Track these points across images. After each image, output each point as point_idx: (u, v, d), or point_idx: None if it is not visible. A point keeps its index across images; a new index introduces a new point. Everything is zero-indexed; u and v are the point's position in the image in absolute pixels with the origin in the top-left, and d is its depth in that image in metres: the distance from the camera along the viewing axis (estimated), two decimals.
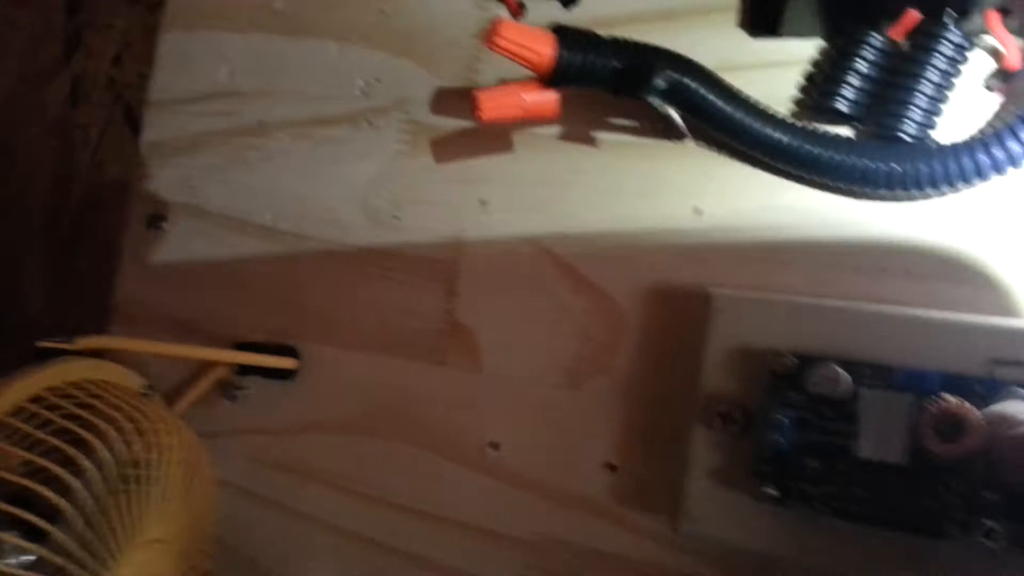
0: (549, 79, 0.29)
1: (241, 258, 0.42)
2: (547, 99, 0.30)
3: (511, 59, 0.28)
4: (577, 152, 0.36)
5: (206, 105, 0.44)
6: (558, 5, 0.37)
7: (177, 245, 0.44)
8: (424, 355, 0.37)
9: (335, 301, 0.40)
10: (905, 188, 0.28)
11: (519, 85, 0.29)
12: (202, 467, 0.36)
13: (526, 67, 0.29)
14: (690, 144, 0.34)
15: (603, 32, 0.34)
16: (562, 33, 0.28)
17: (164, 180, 0.45)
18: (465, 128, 0.38)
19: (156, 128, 0.46)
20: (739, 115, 0.31)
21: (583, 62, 0.28)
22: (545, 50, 0.28)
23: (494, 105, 0.29)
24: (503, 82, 0.31)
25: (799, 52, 0.32)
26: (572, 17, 0.36)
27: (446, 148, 0.38)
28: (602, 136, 0.35)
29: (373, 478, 0.38)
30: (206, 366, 0.41)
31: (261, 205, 0.42)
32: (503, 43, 0.27)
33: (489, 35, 0.28)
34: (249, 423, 0.41)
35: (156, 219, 0.45)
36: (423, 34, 0.39)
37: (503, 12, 0.38)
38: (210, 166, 0.44)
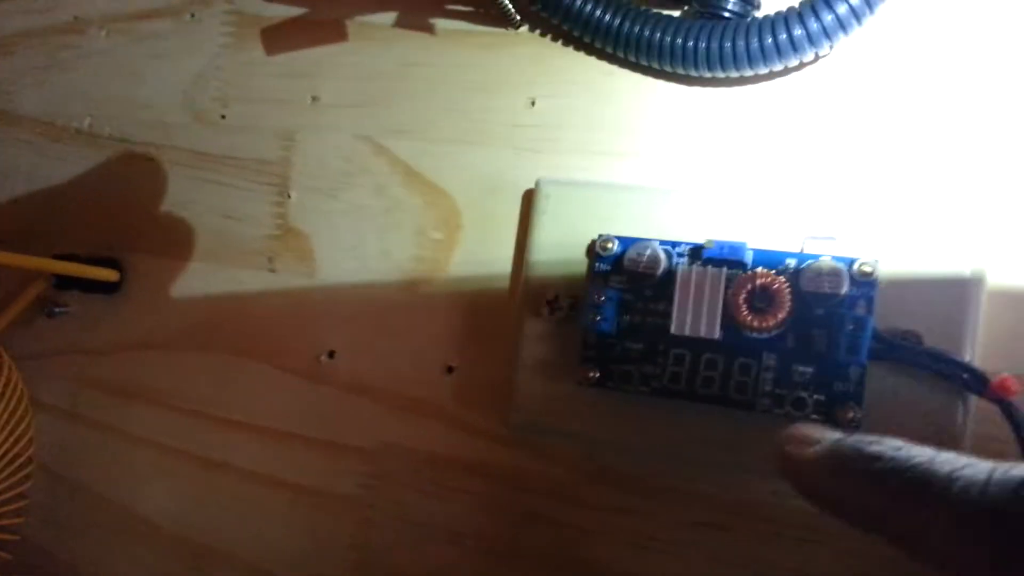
0: None
1: (59, 166, 0.39)
2: None
3: None
4: (411, 43, 0.34)
5: (18, 2, 0.41)
6: None
7: None
8: (255, 262, 0.35)
9: (160, 208, 0.37)
10: (723, 67, 0.28)
11: None
12: (15, 384, 0.34)
13: None
14: (524, 32, 0.32)
15: None
16: None
17: None
18: (295, 17, 0.36)
19: None
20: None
21: None
22: None
23: None
24: None
25: None
26: None
27: (275, 41, 0.36)
28: (437, 25, 0.34)
29: (204, 394, 0.36)
30: (22, 284, 0.38)
31: (79, 108, 0.39)
32: None
33: None
34: (71, 342, 0.38)
35: None
36: None
37: None
38: (23, 68, 0.40)
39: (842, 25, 0.26)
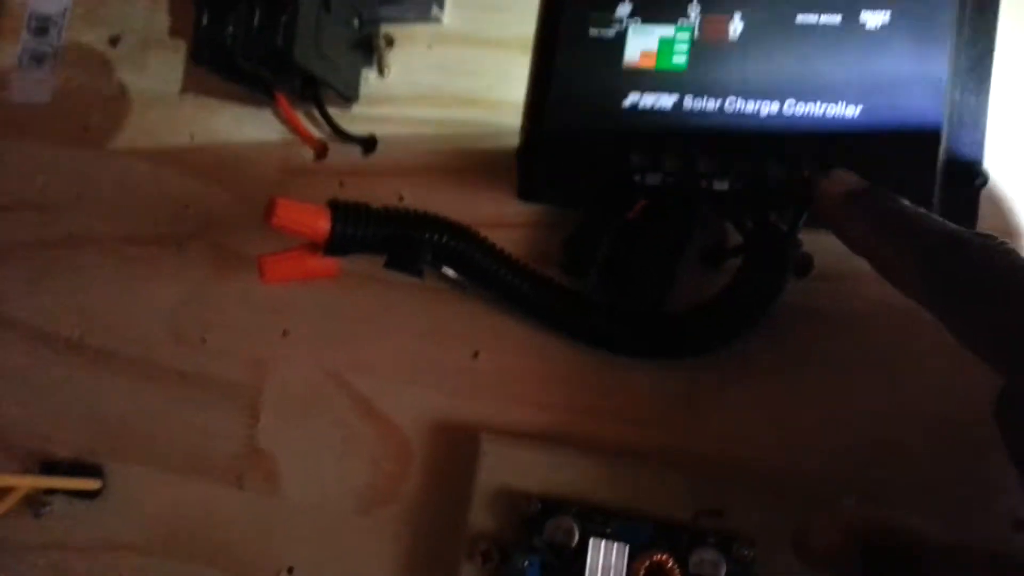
0: (326, 249, 0.31)
1: (48, 371, 0.43)
2: (328, 264, 0.32)
3: (291, 234, 0.31)
4: (375, 290, 0.38)
5: (18, 214, 0.45)
6: (358, 149, 0.40)
7: None
8: (225, 478, 0.39)
9: (140, 420, 0.41)
10: (635, 354, 0.33)
11: (302, 250, 0.32)
12: None
13: (305, 239, 0.31)
14: (471, 292, 0.37)
15: (395, 182, 0.37)
16: (336, 208, 0.31)
17: None
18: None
19: None
20: (507, 276, 0.34)
21: (356, 235, 0.31)
22: (320, 225, 0.31)
23: (278, 271, 0.32)
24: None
25: (563, 217, 0.36)
26: (371, 163, 0.39)
27: (252, 276, 0.40)
28: (398, 276, 0.38)
29: None
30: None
31: (70, 319, 0.43)
32: (280, 222, 0.30)
33: (267, 213, 0.30)
34: (53, 538, 0.41)
35: None
36: (231, 163, 0.41)
37: (307, 150, 0.40)
38: (19, 276, 0.44)
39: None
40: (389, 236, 0.32)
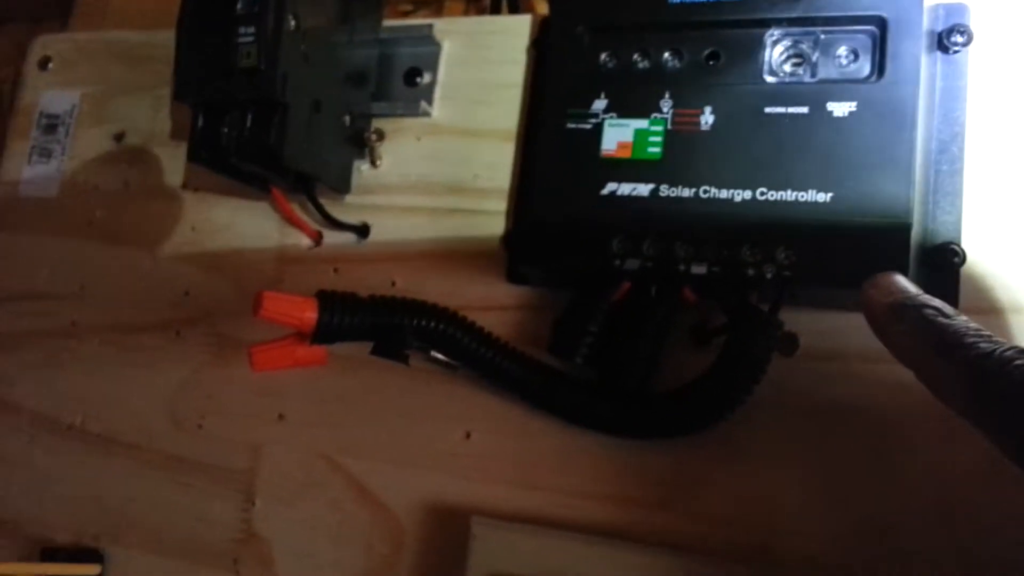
0: (313, 339, 0.32)
1: (50, 456, 0.43)
2: (316, 352, 0.33)
3: (279, 325, 0.32)
4: (368, 373, 0.39)
5: (24, 304, 0.46)
6: (353, 237, 0.41)
7: None
8: (220, 564, 0.39)
9: (139, 505, 0.41)
10: (622, 434, 0.33)
11: (291, 340, 0.33)
12: None
13: (293, 330, 0.32)
14: (462, 373, 0.37)
15: (388, 268, 0.38)
16: (323, 298, 0.32)
17: None
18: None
19: None
20: (493, 358, 0.35)
21: (342, 323, 0.32)
22: (307, 316, 0.32)
23: (267, 360, 0.33)
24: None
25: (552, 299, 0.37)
26: (364, 249, 0.40)
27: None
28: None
29: None
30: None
31: (72, 406, 0.44)
32: (267, 314, 0.31)
33: (255, 307, 0.31)
34: None
35: None
36: (230, 252, 0.43)
37: (303, 238, 0.42)
38: (26, 363, 0.45)
39: None
40: (375, 324, 0.33)
